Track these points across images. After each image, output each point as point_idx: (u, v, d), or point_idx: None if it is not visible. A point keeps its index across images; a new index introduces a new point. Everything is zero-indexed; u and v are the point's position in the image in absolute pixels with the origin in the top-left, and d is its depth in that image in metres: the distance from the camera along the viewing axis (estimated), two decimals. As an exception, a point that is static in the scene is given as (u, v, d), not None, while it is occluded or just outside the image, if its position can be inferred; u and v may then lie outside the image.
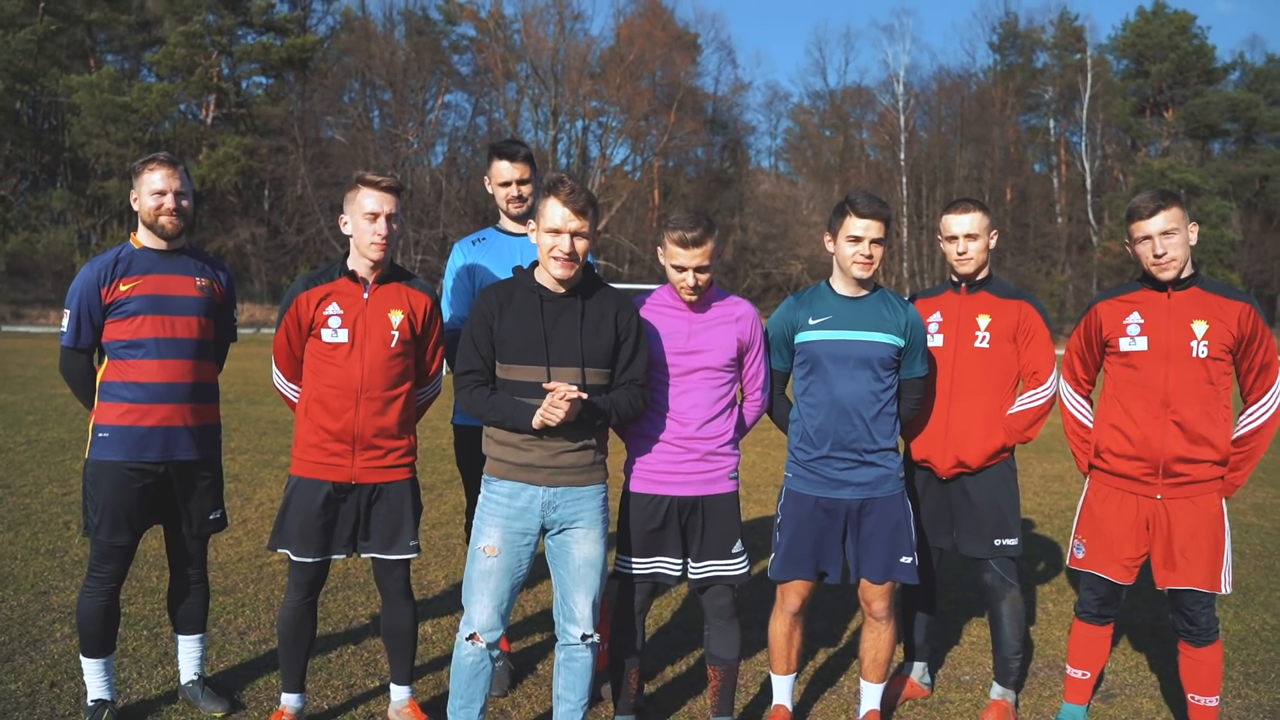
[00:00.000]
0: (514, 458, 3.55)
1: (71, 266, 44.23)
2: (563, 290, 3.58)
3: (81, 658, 3.95)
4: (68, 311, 3.91)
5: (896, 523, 3.90)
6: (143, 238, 3.99)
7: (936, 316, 4.31)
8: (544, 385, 3.42)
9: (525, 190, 4.44)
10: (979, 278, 4.30)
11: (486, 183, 4.55)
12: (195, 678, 4.20)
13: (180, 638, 4.23)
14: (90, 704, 3.91)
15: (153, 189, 3.91)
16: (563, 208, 3.44)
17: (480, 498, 3.64)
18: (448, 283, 4.47)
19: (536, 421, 3.41)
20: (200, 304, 4.00)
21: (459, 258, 4.49)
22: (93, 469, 3.89)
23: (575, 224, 3.45)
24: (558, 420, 3.39)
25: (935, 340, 4.27)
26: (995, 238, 4.32)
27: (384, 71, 52.90)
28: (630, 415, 3.63)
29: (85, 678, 3.95)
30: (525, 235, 4.43)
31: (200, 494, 4.07)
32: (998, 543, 4.21)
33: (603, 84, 54.87)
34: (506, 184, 4.43)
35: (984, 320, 4.22)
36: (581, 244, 3.49)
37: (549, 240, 3.48)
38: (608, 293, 3.69)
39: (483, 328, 3.56)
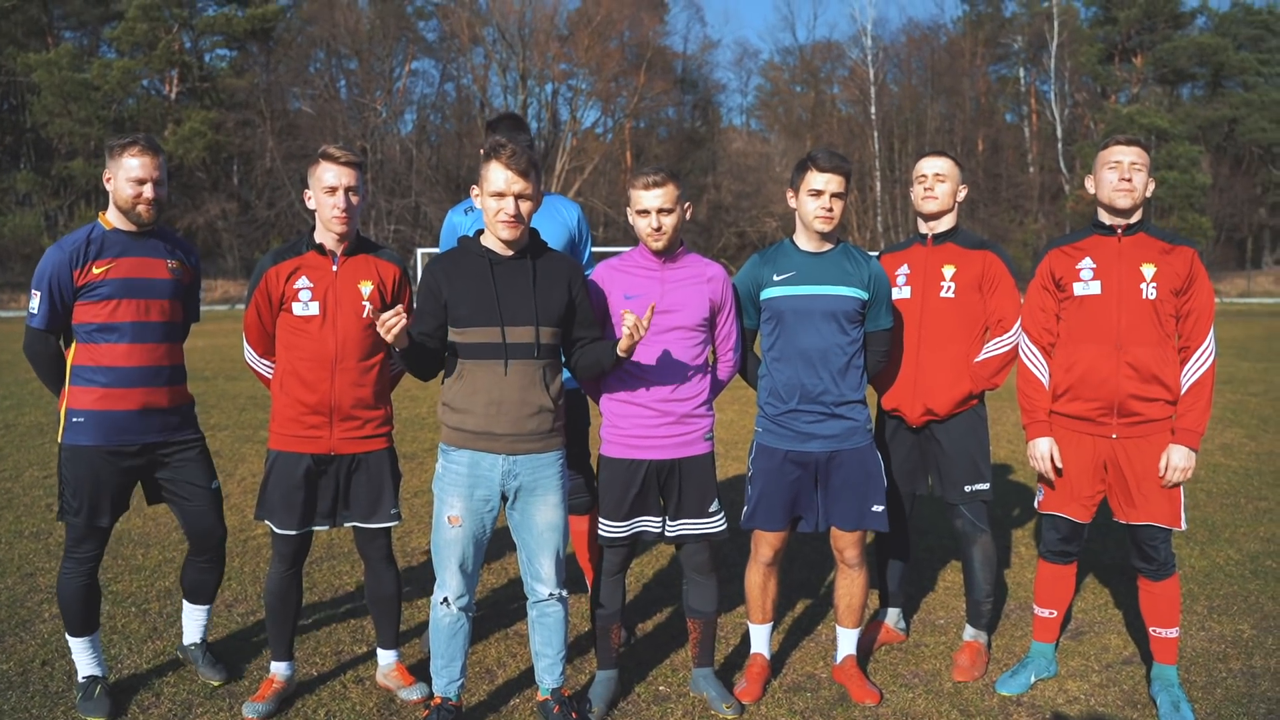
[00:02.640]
0: (472, 426, 3.60)
1: (40, 249, 43.61)
2: (511, 252, 3.64)
3: (68, 637, 3.99)
4: (36, 293, 3.83)
5: (866, 473, 3.99)
6: (113, 218, 3.94)
7: (904, 269, 4.40)
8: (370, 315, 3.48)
9: None
10: (945, 229, 4.38)
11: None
12: (198, 641, 4.28)
13: (187, 605, 4.30)
14: (82, 680, 3.97)
15: (131, 176, 3.84)
16: (505, 170, 3.49)
17: (439, 467, 3.71)
18: (444, 247, 4.52)
19: (389, 339, 3.37)
20: (172, 286, 3.98)
21: (459, 222, 4.60)
22: (68, 454, 3.87)
23: (519, 185, 3.51)
24: (390, 336, 3.35)
25: (903, 292, 4.35)
26: (964, 191, 4.41)
27: (349, 40, 52.19)
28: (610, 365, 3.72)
29: (74, 656, 3.99)
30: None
31: (189, 469, 4.08)
32: (969, 488, 4.32)
33: (571, 46, 54.36)
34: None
35: (949, 270, 4.31)
36: (526, 205, 3.55)
37: (494, 204, 3.53)
38: (557, 255, 3.77)
39: (429, 298, 3.62)
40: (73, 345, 3.91)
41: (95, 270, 3.82)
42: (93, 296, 3.83)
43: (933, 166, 4.36)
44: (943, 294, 4.30)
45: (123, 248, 3.90)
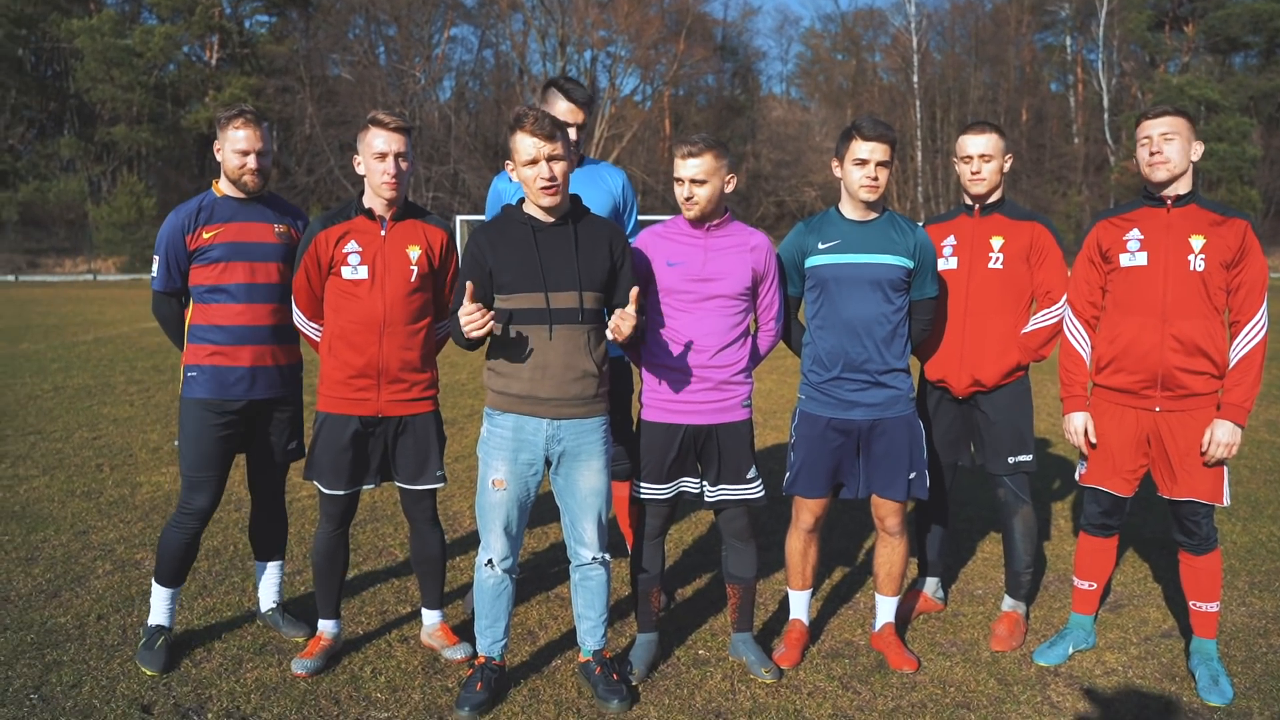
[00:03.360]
0: (518, 390, 3.65)
1: (84, 214, 44.36)
2: (553, 219, 3.67)
3: (154, 583, 4.15)
4: (157, 257, 4.09)
5: (908, 442, 4.00)
6: (224, 186, 4.14)
7: (950, 240, 4.36)
8: (460, 315, 3.49)
9: (574, 133, 4.39)
10: (991, 200, 4.34)
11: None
12: (274, 605, 4.42)
13: (260, 565, 4.45)
14: (150, 627, 4.12)
15: (237, 148, 4.04)
16: (531, 138, 3.52)
17: (484, 431, 3.76)
18: (490, 215, 4.52)
19: (466, 333, 3.50)
20: (279, 250, 4.13)
21: (504, 188, 4.56)
22: (186, 408, 4.08)
23: (548, 149, 3.53)
24: (478, 334, 3.49)
25: (950, 263, 4.32)
26: (1010, 161, 4.36)
27: (388, 6, 52.19)
28: (637, 336, 3.75)
29: (151, 600, 4.15)
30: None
31: (279, 427, 4.26)
32: (1013, 460, 4.32)
33: (610, 13, 54.00)
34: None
35: (997, 241, 4.27)
36: (559, 166, 3.57)
37: (529, 172, 3.56)
38: (598, 220, 3.79)
39: (475, 267, 3.66)
40: (190, 306, 4.13)
41: (205, 235, 4.03)
42: (204, 260, 4.03)
43: (978, 146, 4.28)
44: (991, 265, 4.26)
45: (231, 213, 4.09)
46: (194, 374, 4.06)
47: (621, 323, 3.50)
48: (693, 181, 3.77)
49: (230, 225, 4.06)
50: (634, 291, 3.59)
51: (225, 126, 4.08)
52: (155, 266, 4.11)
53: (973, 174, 4.29)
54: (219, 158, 4.12)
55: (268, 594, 4.43)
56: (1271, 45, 55.98)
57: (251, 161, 4.06)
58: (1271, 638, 4.36)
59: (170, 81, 47.70)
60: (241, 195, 4.13)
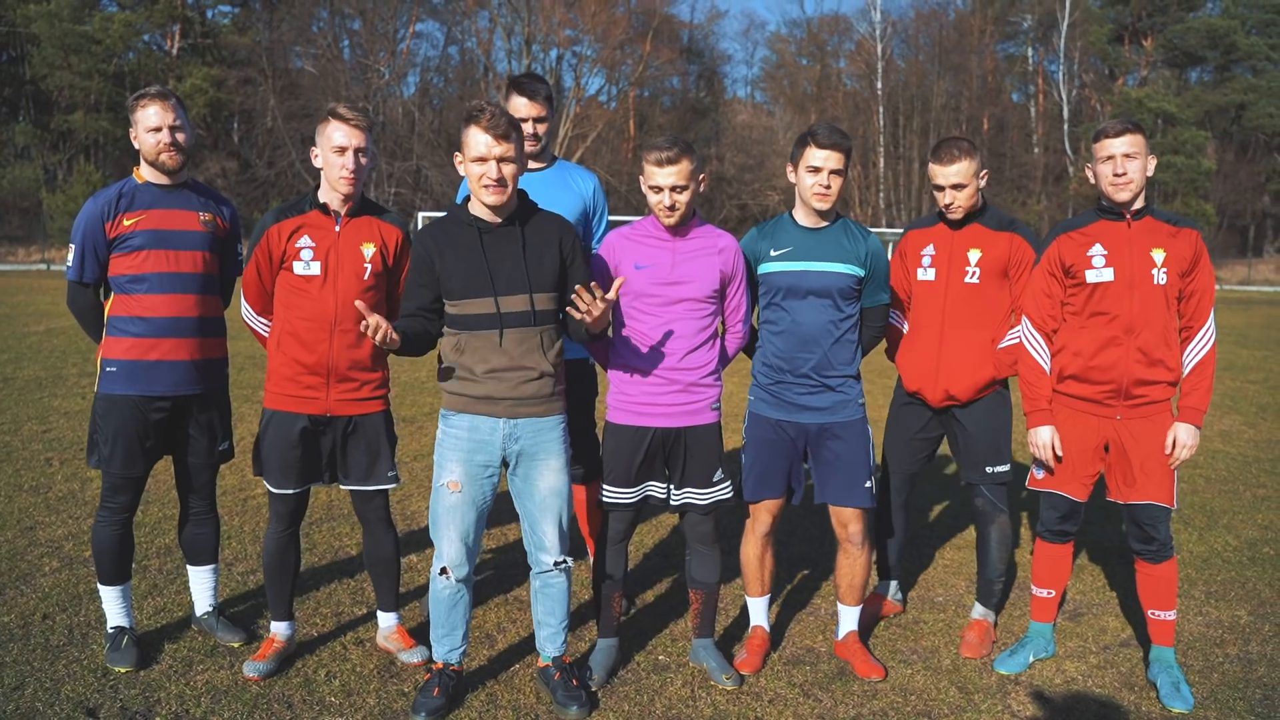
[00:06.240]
0: (473, 391, 3.58)
1: (38, 203, 43.47)
2: (500, 219, 3.59)
3: (99, 586, 4.04)
4: (73, 246, 3.92)
5: (857, 448, 3.98)
6: (145, 173, 3.97)
7: (929, 249, 4.31)
8: (361, 326, 3.31)
9: (540, 129, 4.33)
10: (974, 209, 4.28)
11: None
12: (210, 609, 4.27)
13: (191, 569, 4.30)
14: (110, 630, 4.01)
15: (148, 126, 3.88)
16: (485, 134, 3.43)
17: (439, 433, 3.68)
18: None
19: (384, 345, 3.34)
20: (204, 239, 3.99)
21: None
22: (101, 403, 3.93)
23: (500, 149, 3.44)
24: (384, 342, 3.31)
25: (928, 274, 4.29)
26: (985, 178, 4.25)
27: (353, 0, 51.72)
28: (604, 335, 3.69)
29: (104, 605, 4.04)
30: (538, 170, 4.39)
31: (207, 426, 4.11)
32: (989, 469, 4.31)
33: (577, 12, 53.90)
34: (524, 120, 4.27)
35: (975, 255, 4.23)
36: (509, 168, 3.48)
37: (477, 169, 3.47)
38: (547, 216, 3.70)
39: (423, 270, 3.57)
40: (110, 297, 3.97)
41: (126, 223, 3.87)
42: (125, 248, 3.88)
43: (949, 176, 4.14)
44: (967, 279, 4.23)
45: (153, 200, 3.93)
46: (112, 369, 3.90)
47: (593, 308, 3.39)
48: (673, 189, 3.71)
49: (152, 213, 3.91)
50: (617, 283, 3.50)
51: (135, 110, 3.92)
52: (71, 256, 3.93)
53: (947, 204, 4.20)
54: (136, 145, 3.96)
55: (202, 598, 4.29)
56: (1227, 60, 57.08)
57: (166, 136, 3.88)
58: (1228, 647, 4.40)
59: (130, 70, 46.83)
60: (165, 181, 3.97)
